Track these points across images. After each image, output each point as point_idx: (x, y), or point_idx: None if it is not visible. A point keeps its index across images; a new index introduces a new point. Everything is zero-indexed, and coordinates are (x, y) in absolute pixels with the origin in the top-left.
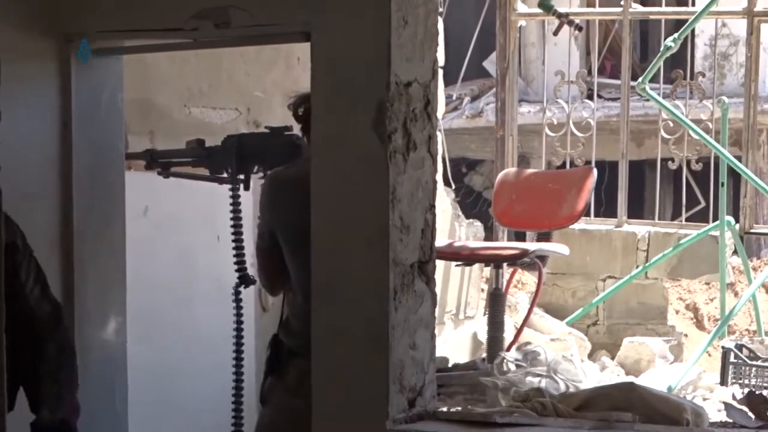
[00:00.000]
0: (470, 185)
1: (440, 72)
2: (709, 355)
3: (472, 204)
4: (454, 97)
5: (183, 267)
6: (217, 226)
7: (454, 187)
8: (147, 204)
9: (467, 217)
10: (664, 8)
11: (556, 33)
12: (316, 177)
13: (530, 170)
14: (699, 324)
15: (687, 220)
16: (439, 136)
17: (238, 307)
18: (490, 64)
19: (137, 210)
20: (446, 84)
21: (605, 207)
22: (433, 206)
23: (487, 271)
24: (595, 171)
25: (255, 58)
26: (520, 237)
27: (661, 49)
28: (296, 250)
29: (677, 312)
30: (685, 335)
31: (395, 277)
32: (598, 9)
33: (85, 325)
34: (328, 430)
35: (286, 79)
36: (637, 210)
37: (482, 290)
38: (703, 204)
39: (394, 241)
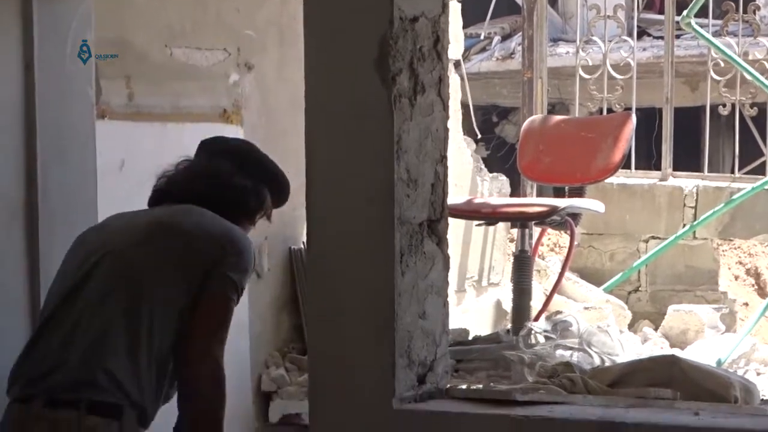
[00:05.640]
0: (502, 136)
1: (456, 6)
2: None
3: (504, 157)
4: (482, 37)
5: None
6: None
7: (479, 136)
8: (123, 157)
9: (500, 172)
10: None
11: None
12: (310, 126)
13: (560, 117)
14: (761, 291)
15: (747, 173)
16: (457, 80)
17: None
18: None
19: (112, 164)
20: (473, 22)
21: (656, 160)
22: (444, 157)
23: (514, 232)
24: (634, 117)
25: None
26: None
27: None
28: None
29: (736, 278)
30: (746, 304)
31: (402, 237)
32: None
33: None
34: (327, 411)
35: (282, 16)
36: (694, 164)
37: (508, 255)
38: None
39: (399, 197)
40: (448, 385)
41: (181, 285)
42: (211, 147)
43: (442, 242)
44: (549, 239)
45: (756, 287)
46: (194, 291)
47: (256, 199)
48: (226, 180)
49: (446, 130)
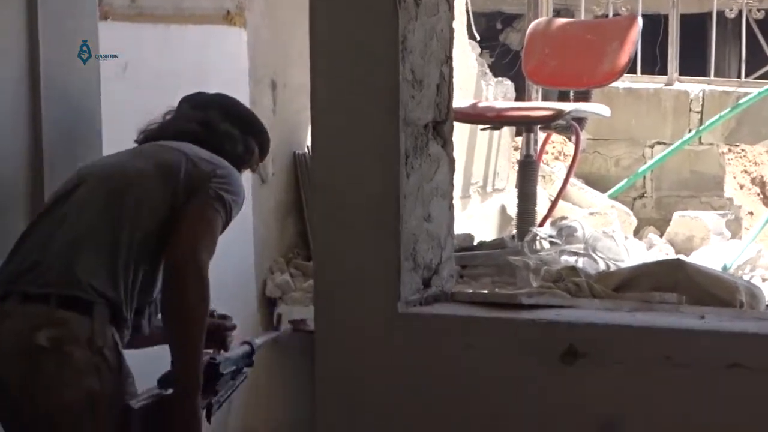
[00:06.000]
0: (506, 44)
1: None
2: None
3: (509, 65)
4: None
5: None
6: (209, 83)
7: (478, 38)
8: (126, 60)
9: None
10: None
11: None
12: (313, 27)
13: (565, 20)
14: (766, 200)
15: (756, 79)
16: None
17: None
18: None
19: (115, 67)
20: None
21: (661, 67)
22: (449, 58)
23: (519, 140)
24: (640, 20)
25: None
26: (559, 98)
27: None
28: None
29: (741, 187)
30: (750, 213)
31: (406, 139)
32: None
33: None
34: (332, 315)
35: None
36: (700, 70)
37: (513, 163)
38: None
39: (404, 98)
40: (454, 290)
41: (166, 192)
42: (196, 99)
43: (447, 144)
44: (554, 148)
45: (761, 196)
46: (181, 200)
47: (245, 148)
48: (215, 126)
49: (451, 30)
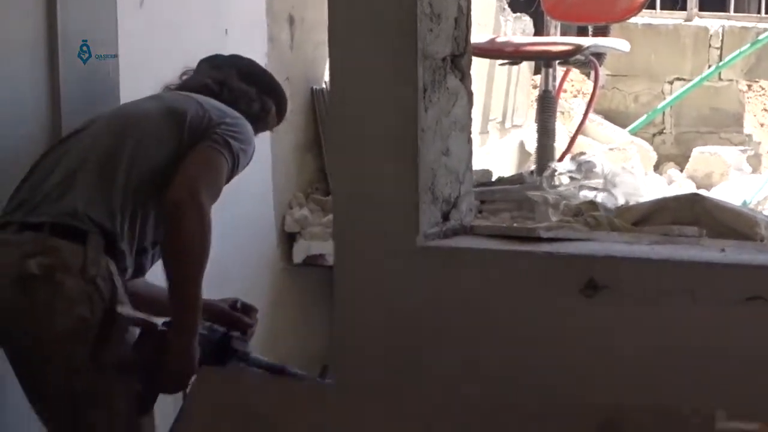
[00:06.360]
0: None
1: None
2: None
3: (527, 1)
4: None
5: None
6: (225, 17)
7: None
8: None
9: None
10: None
11: None
12: None
13: None
14: None
15: None
16: None
17: None
18: None
19: (132, 1)
20: None
21: (681, 4)
22: None
23: (537, 78)
24: None
25: None
26: (578, 34)
27: None
28: None
29: (762, 125)
30: None
31: (425, 72)
32: None
33: None
34: (351, 250)
35: None
36: (719, 5)
37: (531, 101)
38: None
39: (422, 32)
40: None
41: (172, 131)
42: (214, 60)
43: (465, 78)
44: (572, 86)
45: None
46: (186, 143)
47: (261, 107)
48: (231, 84)
49: None
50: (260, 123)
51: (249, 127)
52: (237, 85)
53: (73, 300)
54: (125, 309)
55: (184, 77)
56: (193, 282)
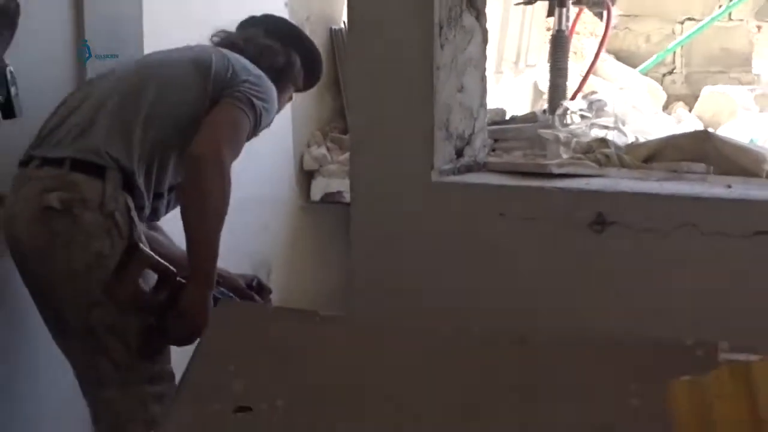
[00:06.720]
0: None
1: None
2: None
3: None
4: None
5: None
6: None
7: None
8: None
9: None
10: None
11: None
12: None
13: None
14: None
15: None
16: None
17: None
18: None
19: None
20: None
21: None
22: None
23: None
24: None
25: None
26: None
27: None
28: None
29: None
30: None
31: (441, 9)
32: None
33: None
34: (367, 185)
35: None
36: None
37: (545, 42)
38: None
39: None
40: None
41: (196, 78)
42: (245, 23)
43: (480, 16)
44: (585, 28)
45: None
46: (209, 94)
47: (286, 60)
48: (256, 39)
49: None
50: (285, 76)
51: (272, 86)
52: (262, 41)
53: (91, 234)
54: (144, 248)
55: (215, 39)
56: (212, 238)
